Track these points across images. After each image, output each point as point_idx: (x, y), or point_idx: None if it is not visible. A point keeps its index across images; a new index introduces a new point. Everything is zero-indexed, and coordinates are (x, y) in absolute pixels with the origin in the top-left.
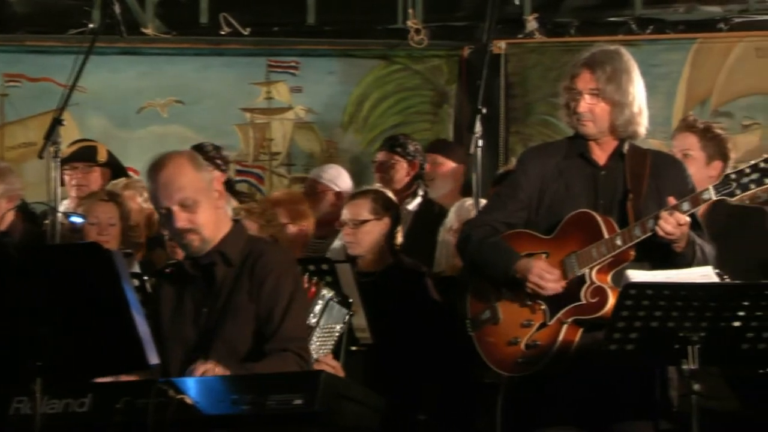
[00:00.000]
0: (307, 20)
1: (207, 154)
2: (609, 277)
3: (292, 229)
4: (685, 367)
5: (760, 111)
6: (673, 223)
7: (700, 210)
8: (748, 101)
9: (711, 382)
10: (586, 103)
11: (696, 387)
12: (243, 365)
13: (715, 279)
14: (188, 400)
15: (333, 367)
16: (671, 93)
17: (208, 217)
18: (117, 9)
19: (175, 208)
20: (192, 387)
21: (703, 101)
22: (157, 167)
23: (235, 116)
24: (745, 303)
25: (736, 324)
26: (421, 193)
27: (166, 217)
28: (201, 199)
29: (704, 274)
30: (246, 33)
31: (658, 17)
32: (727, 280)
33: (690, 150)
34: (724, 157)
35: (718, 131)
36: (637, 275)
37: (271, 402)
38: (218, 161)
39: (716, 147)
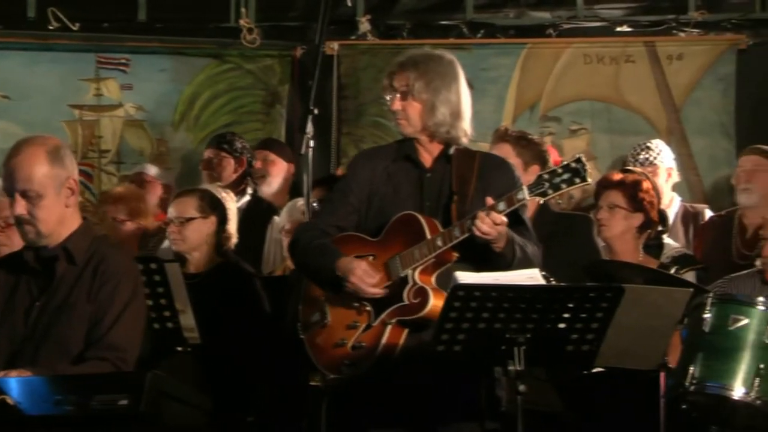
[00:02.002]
0: (138, 17)
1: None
2: (433, 278)
3: (130, 226)
4: (511, 368)
5: (587, 116)
6: (489, 223)
7: (530, 215)
8: (575, 106)
9: (536, 383)
10: (398, 102)
11: (521, 388)
12: (56, 367)
13: (542, 281)
14: (10, 401)
15: None
16: (501, 97)
17: (51, 213)
18: None
19: (17, 196)
20: (14, 387)
21: (532, 106)
22: (13, 151)
23: (64, 113)
24: (570, 305)
25: (561, 326)
26: (249, 191)
27: (10, 201)
28: (46, 193)
29: (531, 276)
30: (75, 28)
31: (489, 22)
32: (554, 283)
33: (506, 159)
34: (542, 161)
35: (532, 137)
36: (465, 277)
37: (95, 403)
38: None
39: (531, 152)
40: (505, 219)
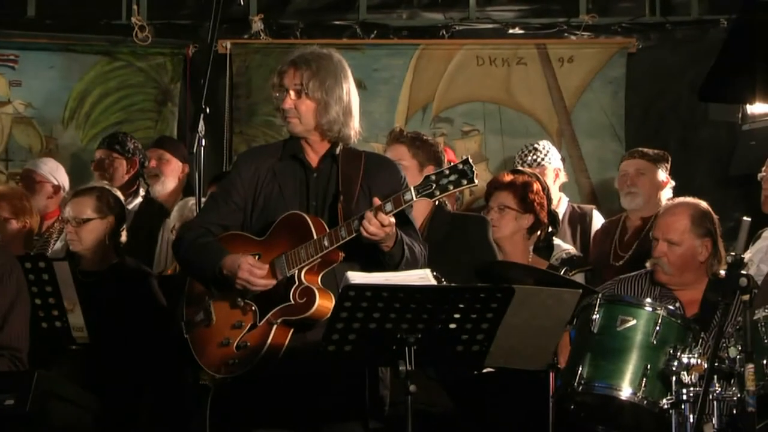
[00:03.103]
0: (27, 13)
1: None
2: (319, 278)
3: (14, 224)
4: (401, 368)
5: (479, 118)
6: (376, 224)
7: (425, 216)
8: (467, 108)
9: (427, 383)
10: (291, 100)
11: (411, 388)
12: None
13: (433, 281)
14: None
15: None
16: (394, 98)
17: None
18: None
19: None
20: None
21: (425, 107)
22: None
23: None
24: (461, 306)
25: (452, 326)
26: (142, 192)
27: None
28: None
29: (422, 276)
30: None
31: (382, 22)
32: (444, 283)
33: (402, 160)
34: (438, 162)
35: (427, 138)
36: (356, 277)
37: None
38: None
39: (427, 153)
40: (392, 220)
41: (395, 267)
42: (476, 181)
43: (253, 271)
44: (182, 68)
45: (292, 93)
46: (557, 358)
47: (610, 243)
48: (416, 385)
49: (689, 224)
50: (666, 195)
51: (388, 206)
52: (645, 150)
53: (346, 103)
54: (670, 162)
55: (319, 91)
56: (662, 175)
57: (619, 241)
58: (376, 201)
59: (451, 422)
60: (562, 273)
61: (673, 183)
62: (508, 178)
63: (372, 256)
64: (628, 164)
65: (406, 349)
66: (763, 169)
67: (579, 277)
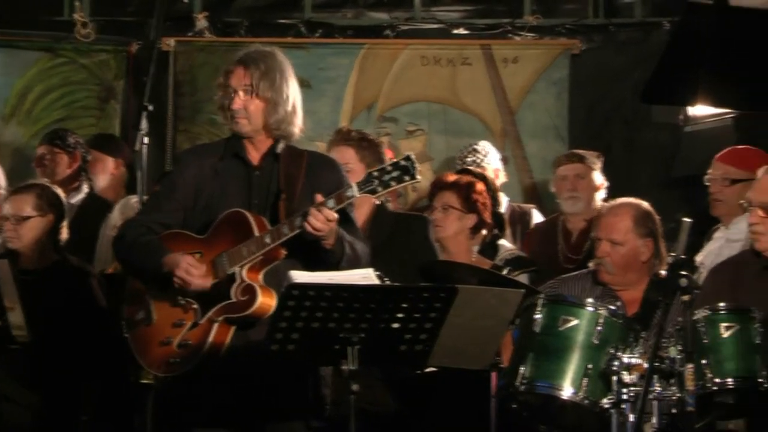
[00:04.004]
0: None
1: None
2: (260, 276)
3: None
4: (344, 367)
5: (424, 118)
6: (321, 219)
7: (367, 216)
8: (412, 108)
9: (370, 382)
10: (240, 100)
11: (354, 387)
12: None
13: (376, 281)
14: None
15: None
16: (339, 97)
17: None
18: None
19: None
20: None
21: (370, 106)
22: None
23: None
24: (404, 305)
25: (395, 326)
26: (85, 188)
27: None
28: None
29: (365, 275)
30: None
31: (327, 21)
32: (388, 283)
33: (349, 163)
34: (382, 162)
35: (372, 138)
36: (299, 276)
37: None
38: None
39: (374, 155)
40: (336, 215)
41: (336, 265)
42: (418, 177)
43: (189, 270)
44: (125, 65)
45: (241, 93)
46: (499, 357)
47: (554, 246)
48: (359, 384)
49: (632, 224)
50: (601, 196)
51: (330, 203)
52: (581, 153)
53: (293, 102)
54: (602, 162)
55: (269, 91)
56: (598, 177)
57: (566, 244)
58: (319, 197)
59: (393, 422)
60: (505, 273)
61: (607, 184)
62: (453, 178)
63: (315, 255)
64: (566, 168)
65: (350, 348)
66: (709, 171)
67: (523, 278)
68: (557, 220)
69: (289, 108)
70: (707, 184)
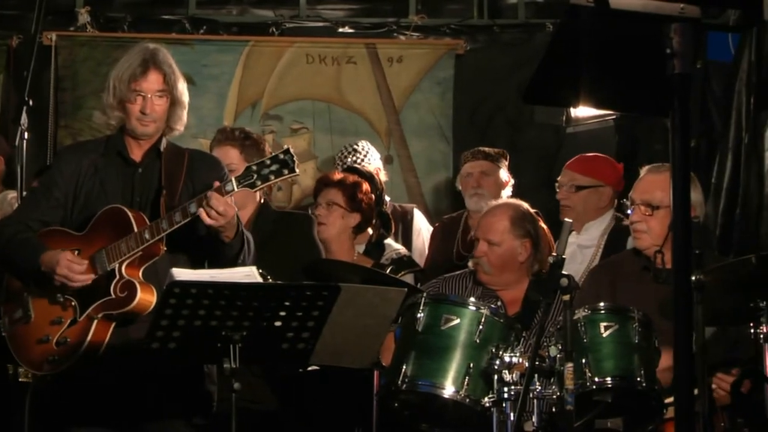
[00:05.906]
0: None
1: None
2: (140, 272)
3: None
4: (226, 365)
5: (308, 116)
6: (224, 201)
7: (250, 214)
8: (297, 105)
9: (252, 380)
10: (155, 104)
11: (236, 385)
12: None
13: (259, 279)
14: None
15: None
16: (223, 94)
17: None
18: None
19: None
20: None
21: (254, 104)
22: None
23: None
24: (287, 303)
25: (277, 324)
26: None
27: None
28: None
29: (248, 274)
30: None
31: (212, 18)
32: (270, 281)
33: (233, 163)
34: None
35: (255, 136)
36: (181, 273)
37: None
38: None
39: (257, 153)
40: (235, 207)
41: (234, 259)
42: (297, 170)
43: (71, 266)
44: (5, 60)
45: (155, 97)
46: (381, 356)
47: (452, 242)
48: (241, 382)
49: (509, 225)
50: (507, 193)
51: (228, 188)
52: (487, 150)
53: (186, 99)
54: (508, 160)
55: (176, 91)
56: (504, 174)
57: (462, 241)
58: (216, 183)
59: (275, 420)
60: (388, 272)
61: (513, 181)
62: (339, 176)
63: (202, 250)
64: (472, 165)
65: (231, 346)
66: (558, 178)
67: (409, 278)
68: (461, 217)
69: (186, 106)
70: (557, 190)
